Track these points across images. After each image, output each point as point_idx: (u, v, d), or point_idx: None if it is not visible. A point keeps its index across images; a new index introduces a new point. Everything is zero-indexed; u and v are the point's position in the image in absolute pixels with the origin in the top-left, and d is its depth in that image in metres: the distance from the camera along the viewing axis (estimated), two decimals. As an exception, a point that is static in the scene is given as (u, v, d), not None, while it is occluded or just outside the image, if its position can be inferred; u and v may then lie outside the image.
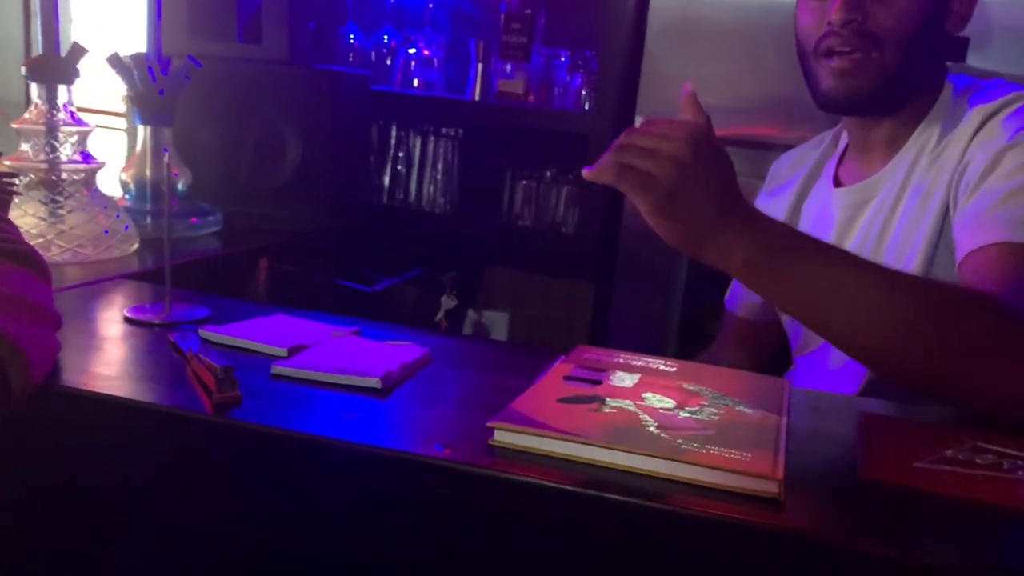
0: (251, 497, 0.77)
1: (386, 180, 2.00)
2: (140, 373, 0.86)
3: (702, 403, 0.80)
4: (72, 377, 0.80)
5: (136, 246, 1.34)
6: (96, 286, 1.15)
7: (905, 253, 1.05)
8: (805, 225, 1.22)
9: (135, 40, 2.25)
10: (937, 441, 0.77)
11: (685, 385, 0.85)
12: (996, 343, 0.80)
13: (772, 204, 1.28)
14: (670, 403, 0.79)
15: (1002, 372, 0.80)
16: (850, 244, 1.12)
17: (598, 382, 0.83)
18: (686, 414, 0.76)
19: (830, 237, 1.15)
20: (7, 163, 1.20)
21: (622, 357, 0.92)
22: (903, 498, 0.67)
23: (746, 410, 0.79)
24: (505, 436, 0.70)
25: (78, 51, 1.26)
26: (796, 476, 0.66)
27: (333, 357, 0.87)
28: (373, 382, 0.81)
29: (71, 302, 1.08)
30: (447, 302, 1.80)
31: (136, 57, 1.42)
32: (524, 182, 1.93)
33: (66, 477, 0.83)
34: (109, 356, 0.90)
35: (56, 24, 1.27)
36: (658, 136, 0.78)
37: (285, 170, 1.66)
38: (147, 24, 1.48)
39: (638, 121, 1.80)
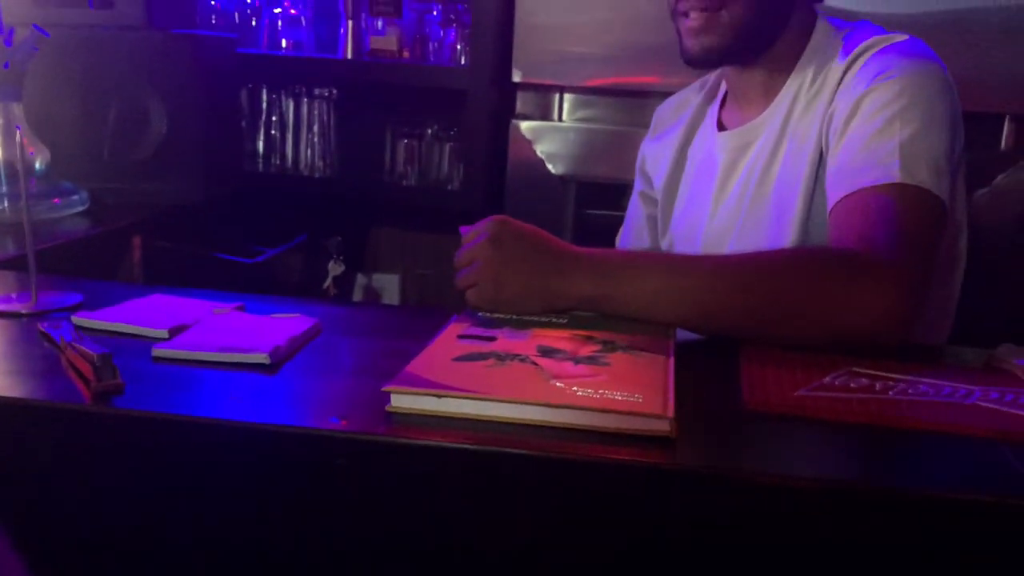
0: (141, 486, 0.74)
1: (260, 145, 1.93)
2: (9, 367, 0.81)
3: (595, 350, 0.81)
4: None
5: (-8, 233, 1.25)
6: (-49, 278, 1.07)
7: (786, 198, 1.09)
8: (690, 168, 1.25)
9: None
10: (816, 369, 0.81)
11: (576, 334, 0.86)
12: (811, 295, 0.87)
13: (658, 148, 1.30)
14: (564, 352, 0.80)
15: (830, 313, 0.87)
16: (734, 187, 1.16)
17: (492, 338, 0.84)
18: (579, 362, 0.78)
19: (715, 181, 1.18)
20: None
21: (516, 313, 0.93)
22: (786, 426, 0.70)
23: (636, 354, 0.81)
24: (401, 400, 0.70)
25: (-96, 24, 1.16)
26: (687, 414, 0.68)
27: (217, 335, 0.84)
28: (261, 358, 0.79)
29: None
30: (334, 268, 1.77)
31: (-27, 28, 1.31)
32: (405, 141, 1.90)
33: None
34: (-27, 352, 0.85)
35: None
36: (467, 250, 0.94)
37: (150, 141, 1.58)
38: (-18, -9, 1.37)
39: (515, 75, 1.80)
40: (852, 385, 0.78)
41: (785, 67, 1.12)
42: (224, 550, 0.74)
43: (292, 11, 1.87)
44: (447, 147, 1.90)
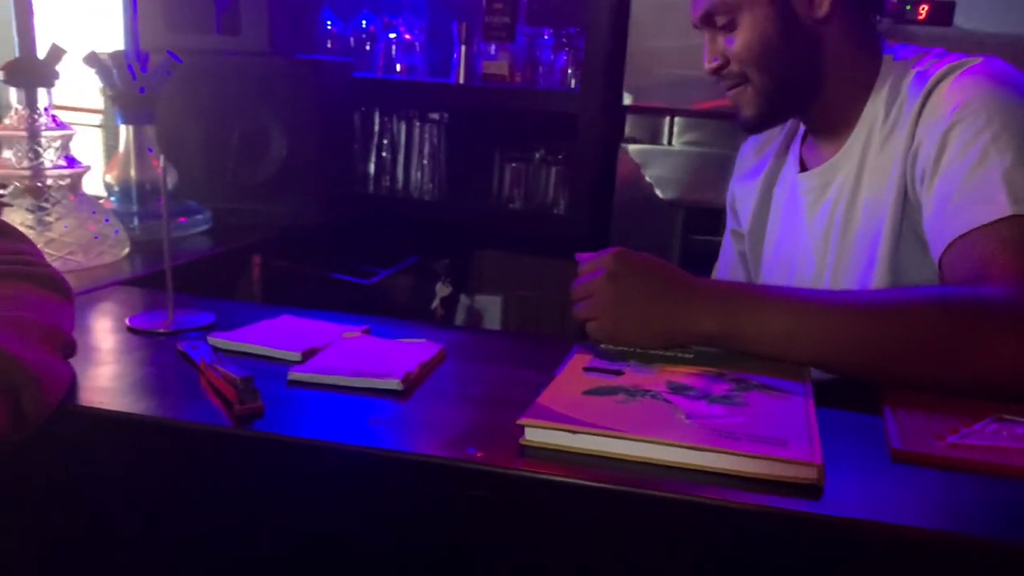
0: (279, 509, 0.75)
1: (371, 168, 1.97)
2: (152, 387, 0.84)
3: (727, 388, 0.79)
4: (83, 395, 0.78)
5: (127, 250, 1.31)
6: (91, 294, 1.12)
7: (872, 239, 1.05)
8: (776, 209, 1.22)
9: (106, 36, 2.19)
10: (964, 414, 0.77)
11: (706, 371, 0.84)
12: (955, 340, 0.82)
13: (743, 188, 1.28)
14: (695, 390, 0.78)
15: (977, 361, 0.81)
16: (818, 228, 1.13)
17: (619, 372, 0.83)
18: (713, 401, 0.76)
19: (802, 222, 1.16)
20: (-10, 172, 1.17)
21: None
22: (938, 476, 0.67)
23: (772, 394, 0.79)
24: (535, 434, 0.69)
25: (57, 52, 1.23)
26: (830, 460, 0.66)
27: (349, 359, 0.85)
28: (394, 384, 0.79)
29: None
30: (442, 290, 1.78)
31: (115, 55, 1.38)
32: (513, 164, 1.91)
33: (81, 498, 0.81)
34: (117, 370, 0.88)
35: (31, 25, 1.23)
36: (584, 283, 0.92)
37: (271, 163, 1.63)
38: (123, 20, 1.44)
39: (627, 98, 1.79)
40: (1004, 434, 0.74)
41: (855, 103, 1.09)
42: (360, 570, 0.74)
43: (407, 36, 1.90)
44: (554, 171, 1.90)
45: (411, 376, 0.81)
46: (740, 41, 1.06)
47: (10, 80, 1.22)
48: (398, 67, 1.92)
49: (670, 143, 1.85)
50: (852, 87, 1.08)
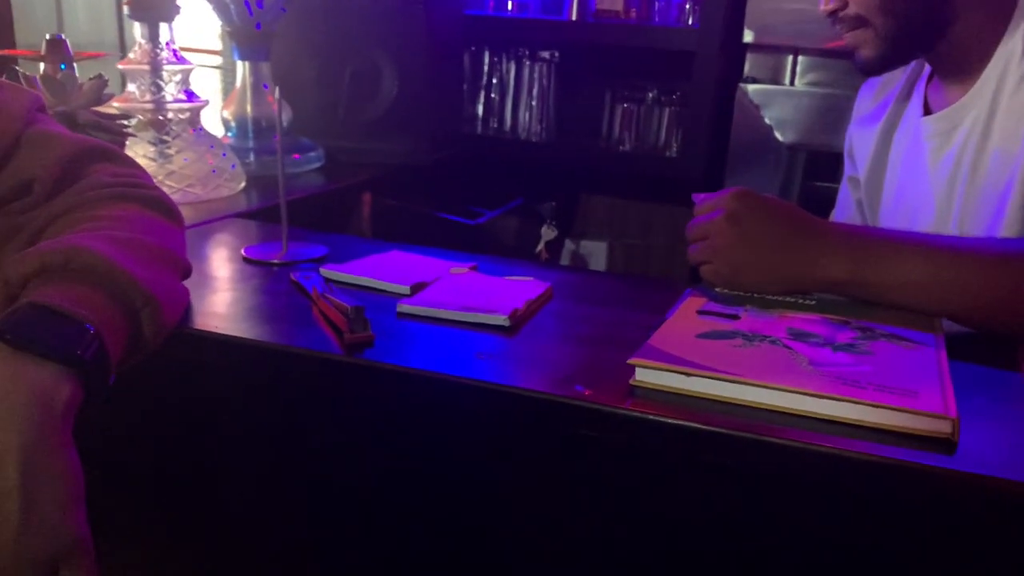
0: (385, 439, 0.76)
1: (479, 109, 1.95)
2: (266, 314, 0.85)
3: (852, 336, 0.75)
4: (199, 320, 0.80)
5: (243, 184, 1.34)
6: (208, 226, 1.15)
7: (1000, 186, 0.97)
8: (896, 155, 1.14)
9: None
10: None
11: (829, 318, 0.79)
12: None
13: (861, 132, 1.21)
14: (818, 337, 0.74)
15: None
16: (942, 176, 1.05)
17: (735, 316, 0.79)
18: (838, 349, 0.72)
19: (923, 170, 1.08)
20: (116, 105, 1.20)
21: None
22: (1090, 438, 0.61)
23: (900, 343, 0.74)
24: (646, 375, 0.67)
25: (178, -14, 1.24)
26: (963, 414, 0.61)
27: (457, 294, 0.85)
28: (501, 319, 0.78)
29: (189, 241, 1.08)
30: (547, 233, 1.76)
31: (232, -9, 1.39)
32: (624, 105, 1.85)
33: (193, 420, 0.84)
34: (232, 297, 0.90)
35: (154, -40, 1.25)
36: (701, 224, 0.88)
37: (381, 102, 1.63)
38: (240, -44, 1.45)
39: (747, 36, 1.70)
40: None
41: (988, 40, 0.99)
42: (455, 509, 0.75)
43: (519, -28, 1.86)
44: (667, 112, 1.84)
45: (518, 312, 0.80)
46: None
47: (134, 14, 1.25)
48: (510, 4, 1.88)
49: (792, 83, 1.76)
50: (985, 22, 0.99)
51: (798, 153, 1.75)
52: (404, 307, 0.81)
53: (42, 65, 1.09)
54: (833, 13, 1.03)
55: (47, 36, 1.09)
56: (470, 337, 0.77)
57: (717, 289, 0.87)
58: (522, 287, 0.88)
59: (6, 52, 1.36)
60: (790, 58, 1.75)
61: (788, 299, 0.84)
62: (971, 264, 0.81)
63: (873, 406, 0.61)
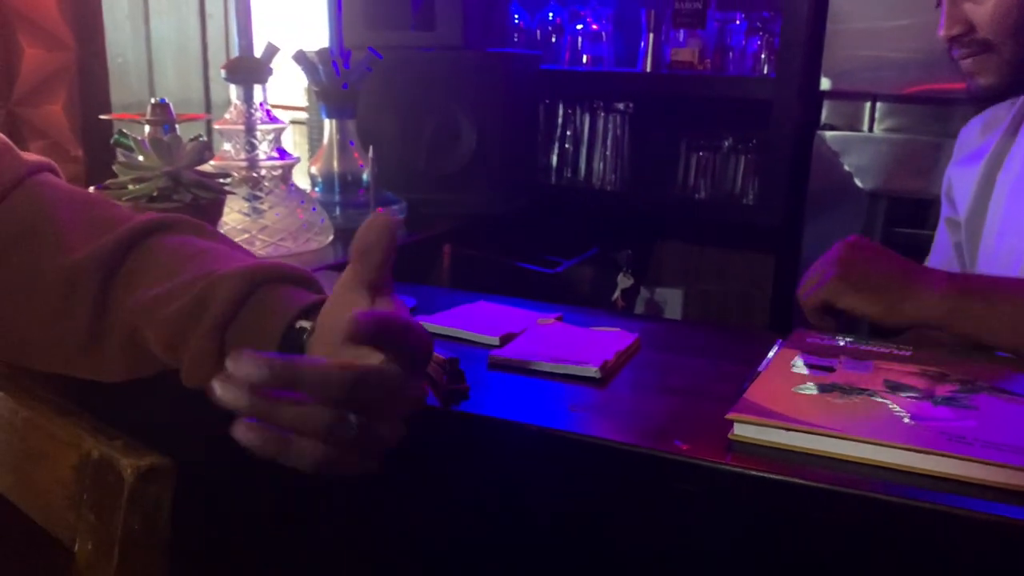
0: (479, 489, 0.76)
1: (554, 159, 1.98)
2: (360, 365, 0.87)
3: (952, 389, 0.73)
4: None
5: (331, 237, 1.38)
6: (300, 278, 1.19)
7: None
8: (1000, 198, 1.12)
9: (309, 36, 2.32)
10: None
11: (926, 369, 0.78)
12: None
13: (962, 173, 1.18)
14: (918, 391, 0.73)
15: None
16: None
17: (831, 368, 0.78)
18: (939, 402, 0.70)
19: None
20: (213, 163, 1.26)
21: (846, 341, 0.86)
22: None
23: (1003, 397, 0.72)
24: (746, 429, 0.67)
25: (271, 50, 1.31)
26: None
27: (546, 345, 0.86)
28: (592, 371, 0.79)
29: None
30: (623, 281, 1.77)
31: (321, 53, 1.45)
32: (700, 153, 1.86)
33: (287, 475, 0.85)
34: (327, 348, 0.93)
35: (250, 26, 1.32)
36: (815, 270, 0.93)
37: (461, 154, 1.67)
38: (328, 18, 1.51)
39: (824, 83, 1.70)
40: None
41: None
42: (556, 555, 0.75)
43: (594, 27, 1.90)
44: (743, 159, 1.84)
45: (608, 364, 0.81)
46: (988, 8, 0.98)
47: (230, 77, 1.31)
48: (584, 58, 1.91)
49: (871, 130, 1.74)
50: None
51: (879, 200, 1.72)
52: (496, 358, 0.83)
53: (147, 127, 1.15)
54: (956, 38, 1.02)
55: (152, 100, 1.15)
56: (561, 389, 0.78)
57: (811, 338, 0.86)
58: (610, 338, 0.88)
59: (115, 116, 1.44)
60: (868, 104, 1.74)
61: (882, 349, 0.83)
62: None
63: (982, 463, 0.60)
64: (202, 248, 0.68)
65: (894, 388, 0.73)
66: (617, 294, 1.78)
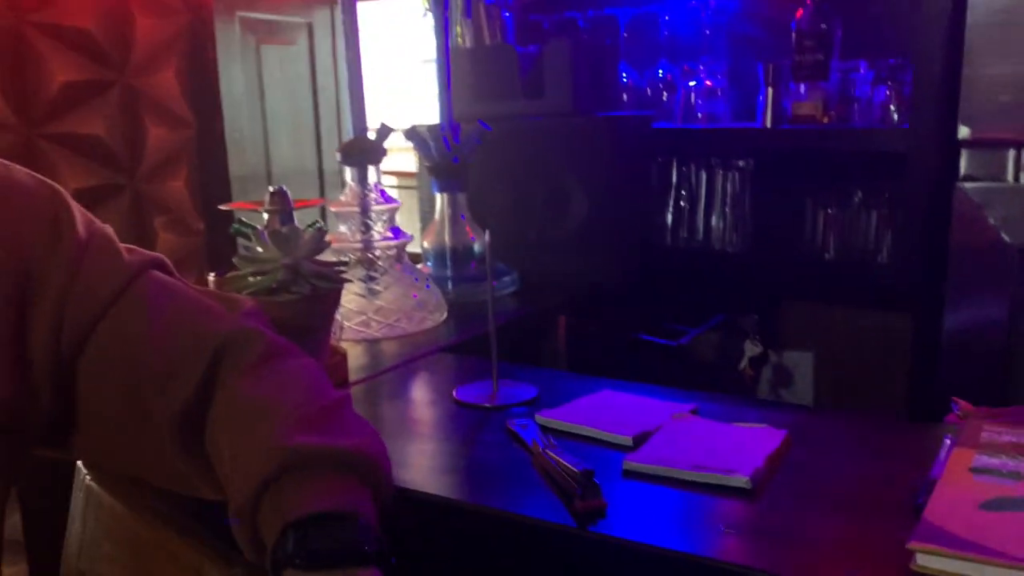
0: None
1: (669, 219, 1.91)
2: (483, 469, 0.82)
3: None
4: (413, 476, 0.78)
5: (445, 315, 1.35)
6: (416, 363, 1.16)
7: None
8: None
9: (415, 107, 2.35)
10: None
11: None
12: None
13: None
14: None
15: None
16: None
17: (1018, 475, 0.68)
18: None
19: None
20: (330, 247, 1.25)
21: (1029, 435, 0.76)
22: None
23: None
24: (931, 560, 0.58)
25: (385, 131, 1.30)
26: None
27: (685, 448, 0.79)
28: (742, 482, 0.71)
29: (397, 381, 1.09)
30: (751, 348, 1.67)
31: (431, 128, 1.44)
32: (827, 210, 1.75)
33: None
34: (446, 447, 0.88)
35: (363, 110, 1.32)
36: None
37: (572, 221, 1.63)
38: (438, 92, 1.51)
39: (962, 131, 1.58)
40: None
41: None
42: None
43: (707, 82, 1.83)
44: (875, 215, 1.72)
45: (759, 472, 0.73)
46: None
47: (345, 160, 1.31)
48: (699, 115, 1.85)
49: (1016, 179, 1.60)
50: None
51: (1032, 254, 1.58)
52: (632, 464, 0.76)
53: (265, 216, 1.15)
54: None
55: (270, 189, 1.15)
56: (709, 503, 0.70)
57: (986, 432, 0.76)
58: (756, 436, 0.81)
59: (233, 205, 1.46)
60: (1012, 153, 1.61)
61: (1077, 452, 0.72)
62: None
63: None
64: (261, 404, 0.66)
65: (1104, 504, 0.63)
66: (745, 363, 1.68)
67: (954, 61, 1.57)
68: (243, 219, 1.11)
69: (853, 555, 0.61)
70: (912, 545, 0.58)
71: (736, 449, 0.77)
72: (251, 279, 1.00)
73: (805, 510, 0.69)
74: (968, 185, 1.62)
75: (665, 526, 0.67)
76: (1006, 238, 1.60)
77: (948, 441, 0.77)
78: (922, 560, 0.58)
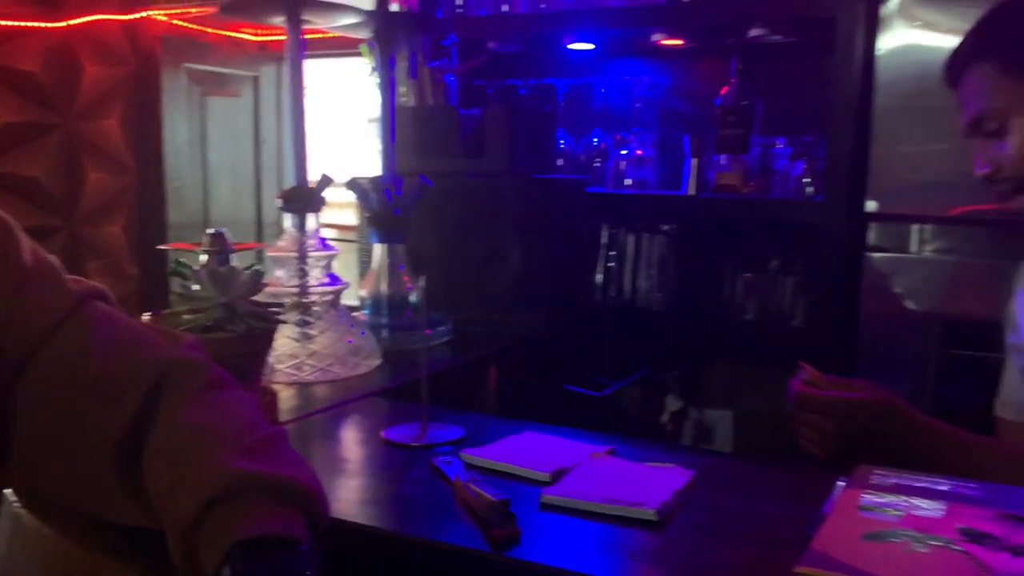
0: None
1: (600, 279, 1.98)
2: (407, 502, 0.86)
3: (1034, 539, 0.69)
4: (342, 508, 0.81)
5: (379, 362, 1.38)
6: (347, 405, 1.19)
7: None
8: None
9: (358, 161, 2.40)
10: None
11: (1003, 514, 0.74)
12: None
13: (1022, 301, 1.17)
14: (995, 540, 0.69)
15: None
16: None
17: (899, 512, 0.75)
18: (1019, 553, 0.66)
19: None
20: (265, 290, 1.28)
21: (913, 479, 0.83)
22: None
23: (1091, 548, 0.68)
24: (815, 583, 0.63)
25: (326, 181, 1.34)
26: None
27: (600, 483, 0.83)
28: (649, 514, 0.76)
29: (327, 423, 1.12)
30: (672, 403, 1.74)
31: (373, 180, 1.49)
32: (746, 274, 1.85)
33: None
34: (373, 482, 0.91)
35: (305, 157, 1.37)
36: (813, 424, 1.00)
37: (508, 276, 1.68)
38: (381, 147, 1.56)
39: (870, 205, 1.70)
40: None
41: None
42: None
43: (638, 152, 1.93)
44: (790, 281, 1.82)
45: (667, 506, 0.78)
46: (1014, 145, 1.01)
47: (286, 206, 1.35)
48: (628, 181, 1.94)
49: (920, 251, 1.72)
50: None
51: (933, 322, 1.69)
52: (548, 498, 0.80)
53: (203, 257, 1.18)
54: (989, 177, 1.05)
55: (209, 231, 1.18)
56: (617, 533, 0.75)
57: (875, 476, 0.83)
58: (666, 475, 0.86)
59: (173, 246, 1.48)
60: (916, 227, 1.73)
61: (955, 491, 0.79)
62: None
63: (1078, 629, 0.56)
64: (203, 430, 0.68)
65: (972, 537, 0.70)
66: (666, 416, 1.75)
67: (864, 140, 1.70)
68: (181, 260, 1.14)
69: (747, 580, 0.66)
70: (798, 569, 0.64)
71: (646, 485, 0.82)
72: (187, 316, 1.03)
73: (707, 542, 0.74)
74: (876, 256, 1.74)
75: (576, 553, 0.71)
76: (911, 306, 1.71)
77: (841, 483, 0.83)
78: (807, 583, 0.63)
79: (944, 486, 0.81)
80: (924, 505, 0.76)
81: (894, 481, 0.82)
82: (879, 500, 0.78)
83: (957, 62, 1.07)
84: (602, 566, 0.68)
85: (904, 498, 0.77)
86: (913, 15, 1.62)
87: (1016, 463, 0.95)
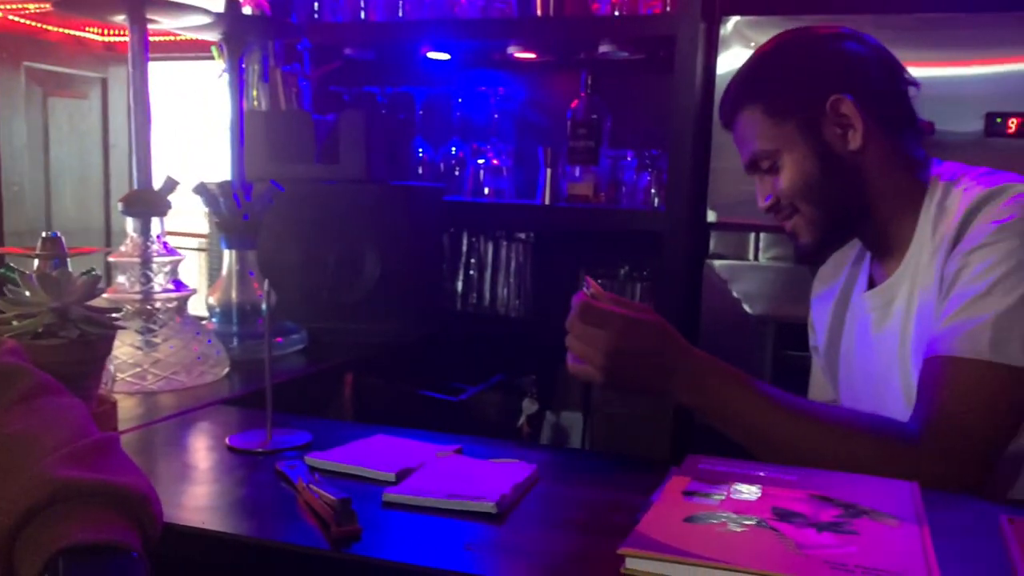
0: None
1: (459, 287, 2.01)
2: (251, 507, 0.85)
3: (836, 514, 0.76)
4: (184, 515, 0.80)
5: (227, 370, 1.35)
6: (192, 414, 1.16)
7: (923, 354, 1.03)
8: (850, 329, 1.22)
9: (213, 167, 2.34)
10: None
11: (812, 494, 0.81)
12: (880, 465, 0.90)
13: (819, 309, 1.30)
14: (803, 517, 0.75)
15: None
16: (886, 346, 1.12)
17: (720, 496, 0.80)
18: (823, 529, 0.72)
19: (869, 341, 1.16)
20: (106, 296, 1.23)
21: (738, 466, 0.89)
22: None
23: (883, 520, 0.75)
24: (637, 563, 0.67)
25: (171, 184, 1.31)
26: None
27: (443, 480, 0.85)
28: (488, 507, 0.79)
29: (171, 432, 1.09)
30: (528, 407, 1.78)
31: (222, 185, 1.46)
32: (599, 281, 1.91)
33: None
34: (217, 489, 0.90)
35: (149, 160, 1.32)
36: (587, 331, 1.04)
37: (364, 284, 1.68)
38: (230, 151, 1.53)
39: (710, 215, 1.80)
40: None
41: (906, 223, 1.11)
42: None
43: (495, 161, 1.97)
44: (639, 287, 1.90)
45: (506, 498, 0.80)
46: (785, 180, 1.11)
47: (127, 211, 1.30)
48: (486, 190, 1.98)
49: (756, 259, 1.84)
50: (899, 208, 1.11)
51: (767, 324, 1.80)
52: (390, 496, 0.81)
53: (36, 262, 1.12)
54: (770, 208, 1.16)
55: (43, 234, 1.13)
56: (458, 526, 0.77)
57: (703, 464, 0.88)
58: (508, 470, 0.88)
59: (4, 250, 1.40)
60: (752, 235, 1.84)
61: (771, 476, 0.85)
62: (756, 406, 0.98)
63: (863, 590, 0.61)
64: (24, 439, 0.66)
65: (781, 516, 0.75)
66: (523, 420, 1.79)
67: (704, 154, 1.80)
68: (12, 264, 1.08)
69: (577, 565, 0.69)
70: (621, 550, 0.67)
71: (488, 480, 0.85)
72: (15, 323, 0.98)
73: (542, 531, 0.77)
74: (716, 263, 1.84)
75: (416, 548, 0.73)
76: (747, 309, 1.82)
77: (672, 472, 0.88)
78: (630, 564, 0.67)
79: (763, 472, 0.87)
80: (743, 489, 0.82)
81: (721, 468, 0.88)
82: (703, 486, 0.83)
83: (727, 107, 1.16)
84: (440, 558, 0.70)
85: (726, 484, 0.83)
86: (747, 36, 1.73)
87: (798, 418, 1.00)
